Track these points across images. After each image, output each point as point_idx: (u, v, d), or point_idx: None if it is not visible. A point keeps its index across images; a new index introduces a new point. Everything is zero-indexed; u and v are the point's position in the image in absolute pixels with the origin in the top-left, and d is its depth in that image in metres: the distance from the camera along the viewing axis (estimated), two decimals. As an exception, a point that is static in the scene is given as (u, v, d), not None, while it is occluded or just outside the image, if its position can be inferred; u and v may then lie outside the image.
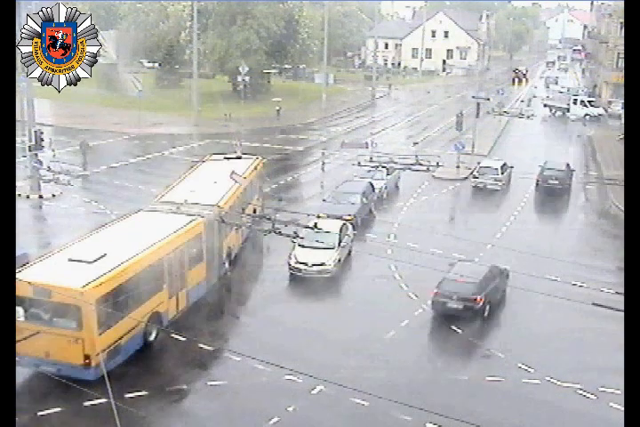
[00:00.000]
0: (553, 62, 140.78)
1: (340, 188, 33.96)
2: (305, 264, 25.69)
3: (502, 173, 38.79)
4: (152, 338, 20.30)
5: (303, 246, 25.98)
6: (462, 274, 23.06)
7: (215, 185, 26.34)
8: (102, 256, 18.99)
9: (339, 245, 26.55)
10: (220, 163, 30.48)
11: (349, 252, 27.91)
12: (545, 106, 70.61)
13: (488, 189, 38.38)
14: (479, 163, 40.57)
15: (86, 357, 17.43)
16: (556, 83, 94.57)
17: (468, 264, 24.82)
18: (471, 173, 40.13)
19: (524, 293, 24.60)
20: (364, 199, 32.63)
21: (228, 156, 31.46)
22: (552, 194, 38.19)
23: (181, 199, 24.30)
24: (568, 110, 66.90)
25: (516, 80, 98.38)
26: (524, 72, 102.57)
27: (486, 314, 22.88)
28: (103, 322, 17.85)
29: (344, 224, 27.84)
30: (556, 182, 38.20)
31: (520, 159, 45.75)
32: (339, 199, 32.28)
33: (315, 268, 25.68)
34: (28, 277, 17.47)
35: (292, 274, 25.96)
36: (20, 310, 17.61)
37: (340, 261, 26.46)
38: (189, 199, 24.26)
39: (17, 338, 16.05)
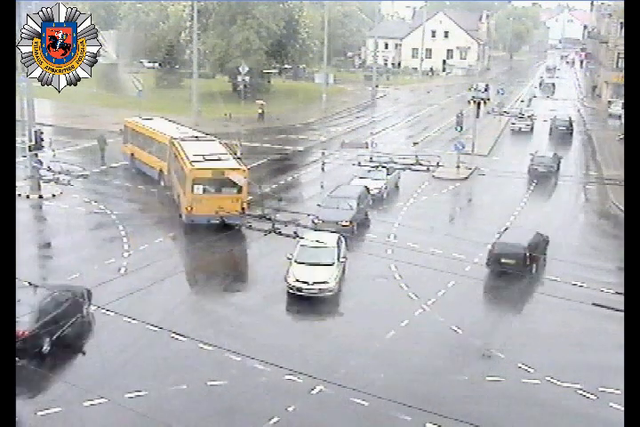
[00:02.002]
0: (566, 56, 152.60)
1: (335, 192, 32.69)
2: (305, 283, 24.00)
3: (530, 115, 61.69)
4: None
5: (301, 263, 24.58)
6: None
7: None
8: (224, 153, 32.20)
9: (338, 260, 25.01)
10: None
11: (343, 269, 25.93)
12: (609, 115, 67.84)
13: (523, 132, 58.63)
14: (517, 109, 65.27)
15: (242, 208, 28.48)
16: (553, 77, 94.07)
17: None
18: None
19: (524, 293, 24.63)
20: (360, 204, 31.67)
21: (144, 117, 42.25)
22: (562, 133, 57.40)
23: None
24: None
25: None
26: (485, 88, 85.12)
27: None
28: (246, 190, 29.74)
29: (339, 237, 26.02)
30: (564, 128, 57.72)
31: (520, 160, 46.02)
32: (334, 204, 30.92)
33: (316, 286, 23.97)
34: (204, 166, 29.79)
35: (290, 292, 24.24)
36: (200, 187, 29.19)
37: (338, 277, 24.73)
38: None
39: (194, 205, 29.02)
